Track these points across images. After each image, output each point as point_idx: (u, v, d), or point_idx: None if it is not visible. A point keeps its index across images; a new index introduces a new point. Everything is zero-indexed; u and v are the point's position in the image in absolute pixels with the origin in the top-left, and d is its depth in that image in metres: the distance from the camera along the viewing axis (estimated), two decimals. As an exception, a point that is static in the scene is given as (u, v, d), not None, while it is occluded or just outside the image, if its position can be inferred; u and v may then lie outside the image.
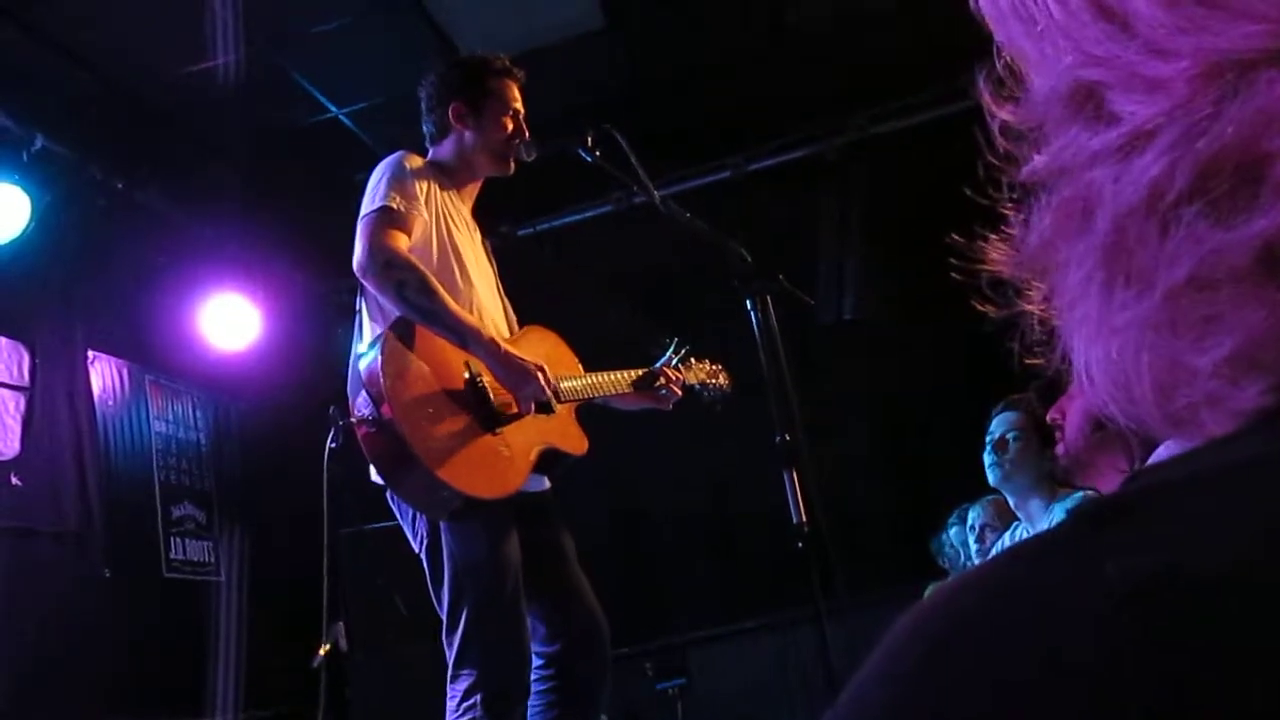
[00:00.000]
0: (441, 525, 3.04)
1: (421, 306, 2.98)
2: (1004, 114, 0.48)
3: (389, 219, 3.05)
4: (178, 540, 6.07)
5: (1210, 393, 0.41)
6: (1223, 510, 0.37)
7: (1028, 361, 0.50)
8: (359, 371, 3.01)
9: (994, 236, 0.49)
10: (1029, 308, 0.49)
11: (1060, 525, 0.40)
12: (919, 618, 0.40)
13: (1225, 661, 0.34)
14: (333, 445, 3.01)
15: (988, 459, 3.41)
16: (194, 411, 6.54)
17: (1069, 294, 0.45)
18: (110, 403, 5.89)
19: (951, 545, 5.37)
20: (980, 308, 0.50)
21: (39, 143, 4.90)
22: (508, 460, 3.06)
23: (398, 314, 3.04)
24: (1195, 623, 0.34)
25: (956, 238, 0.49)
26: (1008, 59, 0.49)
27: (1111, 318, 0.43)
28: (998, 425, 3.43)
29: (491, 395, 3.07)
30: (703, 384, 3.72)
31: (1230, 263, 0.39)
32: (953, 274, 0.49)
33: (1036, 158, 0.47)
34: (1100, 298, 0.44)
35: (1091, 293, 0.44)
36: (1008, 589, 0.39)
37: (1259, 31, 0.39)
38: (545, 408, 3.16)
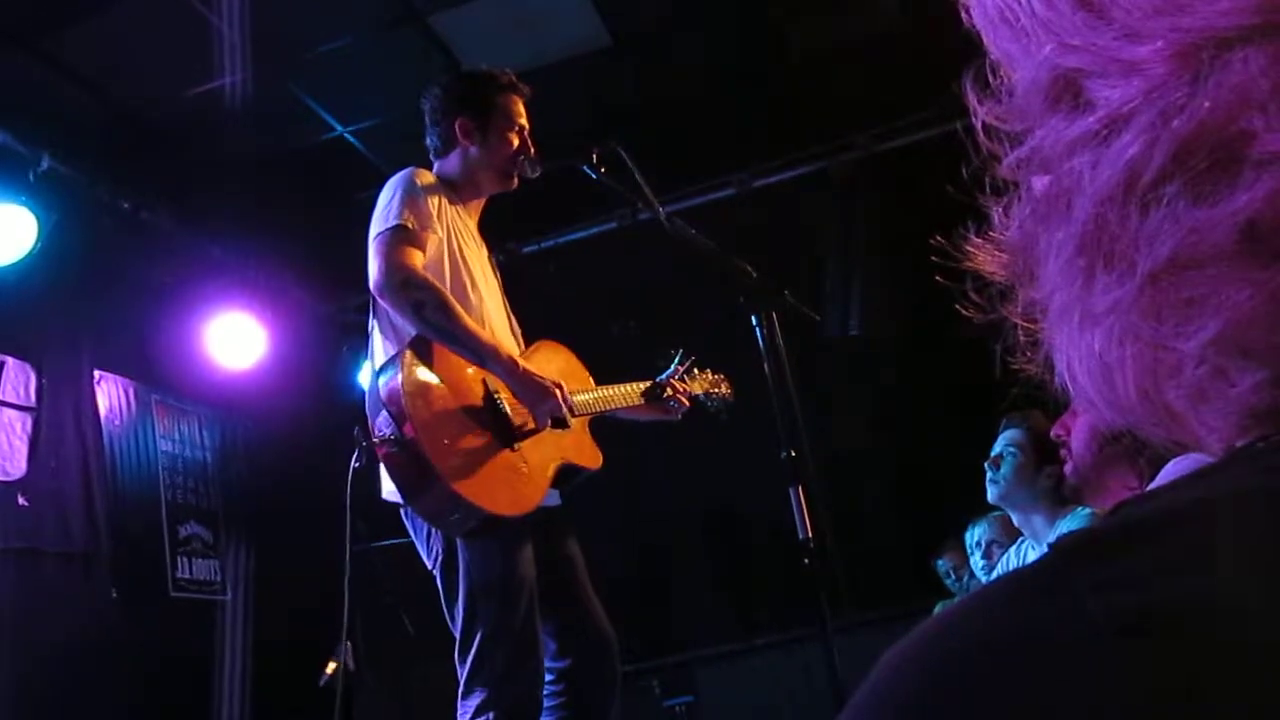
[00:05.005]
0: (458, 542, 3.04)
1: (440, 325, 3.00)
2: (987, 114, 0.48)
3: (404, 237, 3.06)
4: (184, 559, 6.06)
5: (1198, 385, 0.41)
6: (1206, 545, 0.37)
7: (1012, 367, 0.49)
8: (378, 391, 3.01)
9: (980, 238, 0.48)
10: (1012, 315, 0.48)
11: (1042, 560, 0.40)
12: (904, 660, 0.40)
13: (1211, 697, 0.34)
14: (356, 465, 3.01)
15: (987, 476, 3.39)
16: (200, 431, 6.55)
17: (1050, 284, 0.45)
18: (117, 422, 5.89)
19: (952, 566, 5.35)
20: (966, 313, 0.49)
21: (45, 163, 4.92)
22: (526, 477, 3.08)
23: (414, 332, 3.05)
24: (1180, 659, 0.34)
25: (940, 240, 0.49)
26: (1001, 74, 0.48)
27: (1093, 304, 0.43)
28: (998, 442, 3.42)
29: (509, 412, 3.09)
30: (707, 394, 3.75)
31: (1212, 241, 0.39)
32: (937, 276, 0.49)
33: (1017, 151, 0.47)
34: (1081, 284, 0.43)
35: (1073, 280, 0.44)
36: (993, 630, 0.38)
37: (1233, 9, 0.39)
38: (561, 423, 3.17)
